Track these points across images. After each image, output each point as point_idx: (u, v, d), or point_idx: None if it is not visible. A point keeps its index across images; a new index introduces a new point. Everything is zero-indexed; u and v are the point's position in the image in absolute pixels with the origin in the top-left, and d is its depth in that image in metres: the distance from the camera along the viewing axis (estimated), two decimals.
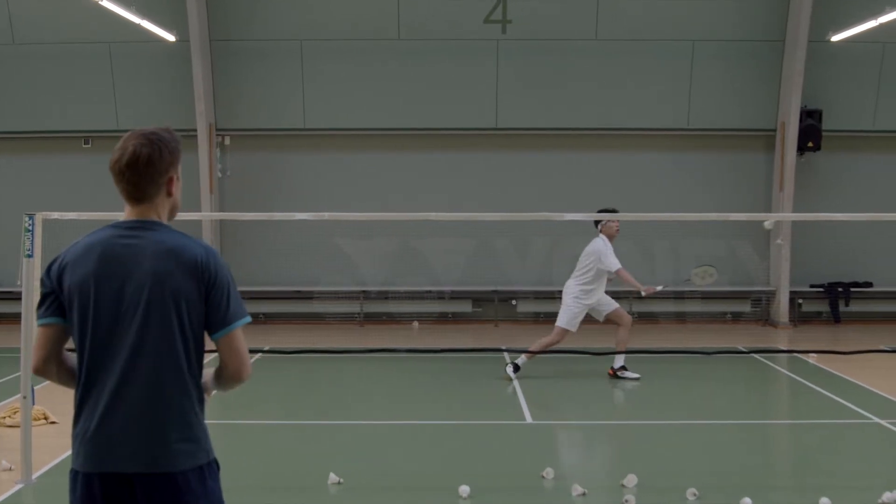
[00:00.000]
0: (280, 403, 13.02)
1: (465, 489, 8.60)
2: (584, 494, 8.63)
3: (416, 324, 19.61)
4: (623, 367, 14.35)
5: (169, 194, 4.31)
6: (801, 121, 19.47)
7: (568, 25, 19.65)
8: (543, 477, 9.14)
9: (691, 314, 20.16)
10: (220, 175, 20.04)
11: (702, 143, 20.15)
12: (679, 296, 19.68)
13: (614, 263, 13.87)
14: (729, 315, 20.41)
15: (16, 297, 18.94)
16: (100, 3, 15.78)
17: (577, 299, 14.11)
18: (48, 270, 4.24)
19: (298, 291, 19.98)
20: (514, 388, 13.56)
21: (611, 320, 14.46)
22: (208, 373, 4.46)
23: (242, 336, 4.33)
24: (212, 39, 19.65)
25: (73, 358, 4.30)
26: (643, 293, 14.25)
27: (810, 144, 19.63)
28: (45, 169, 20.18)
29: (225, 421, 11.43)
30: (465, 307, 20.10)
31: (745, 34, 19.77)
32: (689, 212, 14.54)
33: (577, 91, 19.80)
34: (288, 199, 18.40)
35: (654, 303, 19.72)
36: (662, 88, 19.92)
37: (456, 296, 20.06)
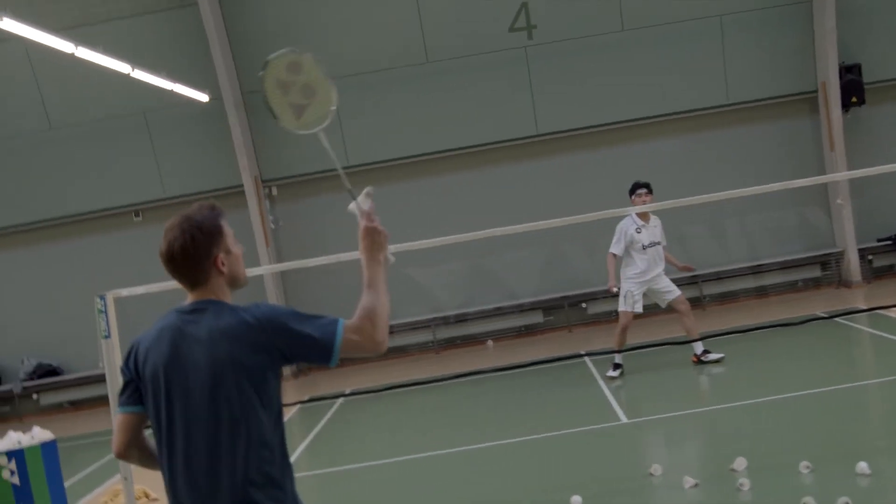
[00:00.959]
0: (376, 443, 12.97)
1: (577, 499, 8.50)
2: (696, 485, 8.52)
3: (490, 342, 19.51)
4: (706, 351, 14.19)
5: (220, 273, 4.27)
6: (840, 77, 19.26)
7: (593, 21, 19.52)
8: (652, 474, 9.04)
9: (764, 287, 19.96)
10: (273, 226, 20.07)
11: (745, 117, 19.92)
12: (755, 270, 19.61)
13: (612, 245, 14.13)
14: (800, 283, 20.14)
15: (93, 381, 19.48)
16: (131, 75, 15.86)
17: (624, 279, 14.12)
18: (126, 359, 4.26)
19: None
20: (602, 391, 13.45)
21: (672, 308, 14.43)
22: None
23: (352, 331, 4.19)
24: (244, 92, 19.68)
25: (152, 441, 4.31)
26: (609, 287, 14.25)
27: (854, 100, 19.41)
28: (102, 248, 20.27)
29: (328, 470, 11.44)
30: (537, 318, 19.97)
31: (770, 1, 19.55)
32: (744, 187, 14.37)
33: (613, 84, 19.65)
34: (344, 239, 18.29)
35: (732, 281, 19.68)
36: (697, 68, 19.73)
37: (526, 308, 19.93)
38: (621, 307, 14.22)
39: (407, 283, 18.78)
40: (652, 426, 11.41)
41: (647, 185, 14.08)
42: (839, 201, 19.35)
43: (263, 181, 19.96)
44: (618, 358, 14.45)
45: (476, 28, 19.56)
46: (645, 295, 14.33)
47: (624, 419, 11.76)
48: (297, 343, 4.13)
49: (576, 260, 19.46)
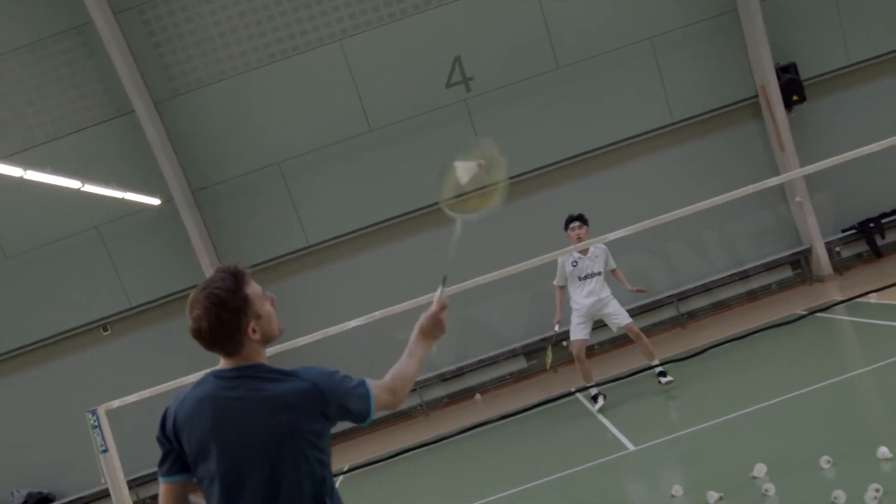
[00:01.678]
0: None
1: None
2: (721, 499, 8.48)
3: (478, 396, 19.37)
4: (661, 374, 14.30)
5: (253, 340, 4.26)
6: (779, 79, 19.43)
7: (527, 63, 19.62)
8: (674, 496, 8.99)
9: (737, 297, 20.03)
10: None
11: (692, 132, 20.04)
12: (726, 281, 19.70)
13: (555, 278, 14.83)
14: (773, 285, 20.20)
15: (88, 500, 19.26)
16: (81, 189, 15.77)
17: (571, 309, 14.68)
18: (163, 429, 4.24)
19: None
20: (602, 424, 13.39)
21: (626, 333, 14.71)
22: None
23: (380, 391, 4.49)
24: (194, 191, 19.62)
25: None
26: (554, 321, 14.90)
27: (795, 98, 19.61)
28: (75, 368, 19.99)
29: None
30: (521, 363, 19.91)
31: (698, 15, 19.76)
32: (701, 201, 14.46)
33: (557, 122, 19.73)
34: (319, 318, 17.99)
35: (691, 301, 19.79)
36: (637, 93, 19.85)
37: (508, 356, 19.84)
38: (570, 336, 14.64)
39: (394, 348, 18.67)
40: (661, 449, 11.31)
41: (580, 218, 14.34)
42: (798, 199, 19.50)
43: None
44: (594, 390, 14.60)
45: (413, 89, 19.61)
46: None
47: (632, 447, 11.68)
48: (346, 406, 4.31)
49: (547, 300, 19.40)
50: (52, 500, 20.01)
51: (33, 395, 19.97)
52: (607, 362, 18.27)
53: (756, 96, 19.91)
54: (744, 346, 15.35)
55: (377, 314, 12.05)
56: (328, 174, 19.75)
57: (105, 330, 20.22)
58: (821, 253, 19.74)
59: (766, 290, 20.10)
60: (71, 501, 19.86)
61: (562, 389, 16.56)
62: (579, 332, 14.54)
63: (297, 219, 19.86)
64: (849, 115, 19.89)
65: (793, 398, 11.49)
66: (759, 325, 16.26)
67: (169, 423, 4.22)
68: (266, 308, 4.35)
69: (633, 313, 18.82)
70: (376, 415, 4.45)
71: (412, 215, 19.91)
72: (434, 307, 4.84)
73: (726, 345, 15.39)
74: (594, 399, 14.54)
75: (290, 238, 19.84)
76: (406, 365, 4.69)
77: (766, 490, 8.26)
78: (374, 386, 4.42)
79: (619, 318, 14.48)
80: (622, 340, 19.26)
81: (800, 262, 20.23)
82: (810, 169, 14.18)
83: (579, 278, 14.38)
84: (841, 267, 20.02)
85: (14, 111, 19.35)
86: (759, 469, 8.75)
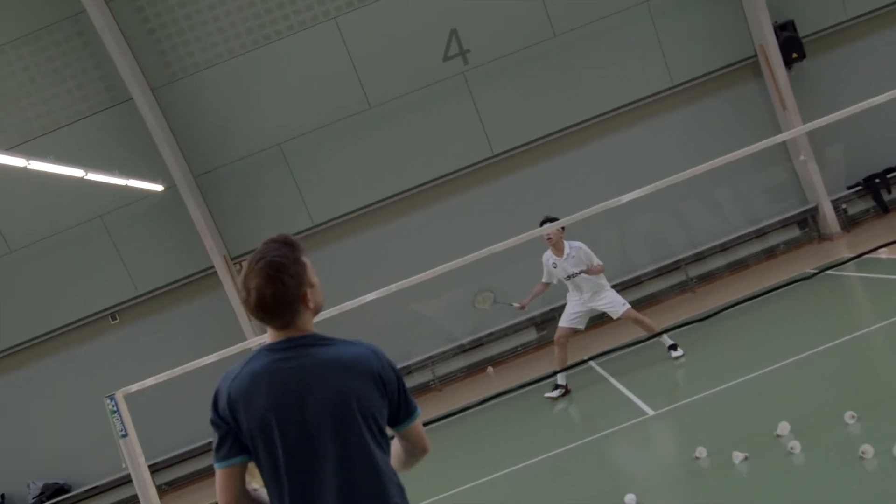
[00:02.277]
0: (412, 491, 12.71)
1: (630, 498, 8.38)
2: (746, 458, 8.43)
3: (490, 369, 19.30)
4: (672, 346, 14.34)
5: (308, 308, 4.23)
6: (777, 37, 19.32)
7: (523, 33, 19.52)
8: (698, 458, 8.93)
9: (744, 259, 19.93)
10: None
11: (693, 95, 19.95)
12: (733, 243, 19.61)
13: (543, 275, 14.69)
14: (782, 245, 20.11)
15: (104, 489, 19.30)
16: (84, 178, 15.69)
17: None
18: (217, 409, 4.13)
19: None
20: (620, 390, 13.34)
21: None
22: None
23: (421, 425, 4.46)
24: (196, 176, 19.57)
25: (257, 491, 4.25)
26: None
27: (795, 56, 19.51)
28: (85, 358, 19.98)
29: None
30: (531, 335, 19.84)
31: None
32: (701, 164, 14.38)
33: (557, 91, 19.64)
34: (332, 296, 17.83)
35: (708, 262, 19.67)
36: (636, 58, 19.74)
37: (518, 328, 19.77)
38: (560, 322, 14.65)
39: (412, 320, 18.71)
40: (681, 412, 11.23)
41: (549, 219, 14.10)
42: (802, 158, 19.41)
43: (233, 258, 19.77)
44: (560, 379, 14.59)
45: (411, 64, 19.53)
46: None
47: (651, 412, 11.62)
48: (398, 395, 4.28)
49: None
50: (68, 491, 19.99)
51: (44, 387, 19.93)
52: (618, 329, 18.21)
53: (755, 56, 19.81)
54: (756, 306, 15.30)
55: (393, 287, 11.98)
56: (330, 153, 19.67)
57: (113, 319, 20.18)
58: (827, 211, 19.67)
59: (775, 251, 20.00)
60: (87, 491, 19.84)
61: (575, 358, 16.49)
62: (566, 321, 14.55)
63: (301, 199, 19.80)
64: (850, 70, 19.82)
65: (810, 356, 11.44)
66: (769, 286, 16.17)
67: (222, 402, 4.11)
68: (316, 279, 4.32)
69: (649, 277, 18.90)
70: (411, 437, 4.44)
71: (416, 190, 19.87)
72: None
73: (739, 306, 15.33)
74: (555, 387, 14.62)
75: (294, 219, 19.77)
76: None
77: (791, 448, 8.21)
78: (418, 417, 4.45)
79: (613, 308, 14.42)
80: (638, 306, 19.22)
81: (807, 221, 20.15)
82: (812, 125, 14.12)
83: (565, 280, 14.37)
84: (848, 224, 19.98)
85: (12, 104, 19.30)
86: (783, 427, 8.70)
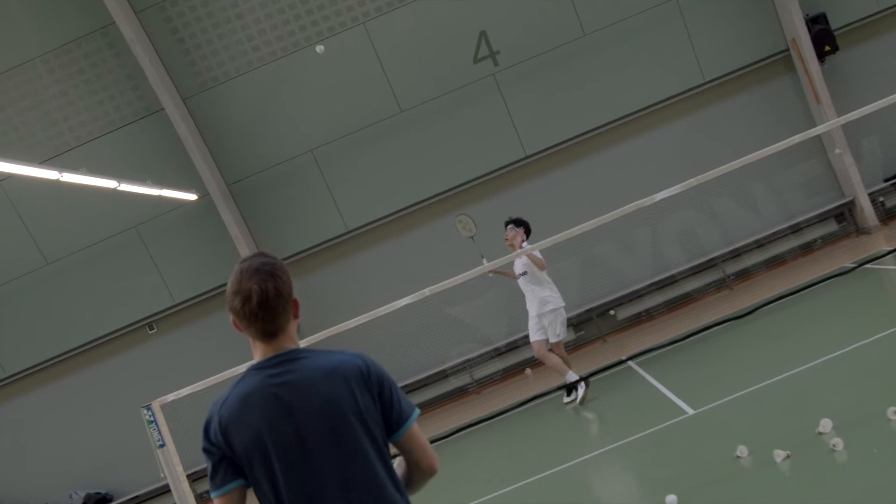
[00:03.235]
0: (451, 495, 12.69)
1: (672, 499, 8.32)
2: (789, 457, 8.34)
3: (528, 370, 19.20)
4: (571, 390, 14.70)
5: (296, 317, 4.22)
6: (809, 30, 19.16)
7: (553, 33, 19.45)
8: (739, 456, 8.85)
9: (780, 255, 19.74)
10: None
11: (725, 91, 19.80)
12: (768, 240, 19.43)
13: None
14: (818, 241, 19.91)
15: (146, 498, 19.35)
16: (117, 189, 15.74)
17: None
18: (207, 436, 4.08)
19: (403, 387, 19.71)
20: (658, 390, 13.25)
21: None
22: None
23: (420, 429, 4.27)
24: (229, 184, 19.60)
25: None
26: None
27: (827, 49, 19.34)
28: (123, 368, 19.98)
29: None
30: (569, 335, 19.71)
31: None
32: (736, 160, 14.26)
33: (588, 90, 19.55)
34: (359, 304, 17.83)
35: (745, 258, 19.51)
36: (666, 55, 19.60)
37: None
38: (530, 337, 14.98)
39: (447, 324, 18.67)
40: (721, 411, 11.10)
41: (512, 221, 14.69)
42: (837, 151, 19.23)
43: None
44: (570, 377, 14.71)
45: (441, 67, 19.48)
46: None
47: (690, 411, 11.53)
48: (392, 392, 4.17)
49: (593, 268, 19.25)
50: (110, 500, 20.08)
51: (84, 398, 20.01)
52: (657, 328, 18.15)
53: (787, 50, 19.65)
54: (795, 302, 15.24)
55: (427, 291, 11.99)
56: (362, 158, 19.65)
57: (151, 328, 20.22)
58: (865, 204, 19.48)
59: (812, 246, 19.78)
60: (128, 500, 19.91)
61: (613, 359, 16.44)
62: (532, 335, 14.84)
63: (335, 204, 19.79)
64: (883, 62, 19.63)
65: (851, 351, 11.32)
66: (807, 281, 16.09)
67: (214, 429, 4.06)
68: None
69: (684, 275, 18.76)
70: (409, 444, 4.23)
71: (449, 193, 19.82)
72: None
73: (777, 302, 15.25)
74: (568, 390, 14.78)
75: (328, 224, 19.77)
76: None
77: (834, 445, 8.12)
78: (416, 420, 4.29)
79: (549, 333, 14.74)
80: (674, 305, 19.22)
81: (844, 215, 19.95)
82: (847, 118, 14.06)
83: (518, 275, 14.72)
84: (886, 216, 19.76)
85: (45, 117, 19.37)
86: (825, 424, 8.61)
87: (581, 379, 14.63)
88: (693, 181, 13.21)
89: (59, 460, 20.20)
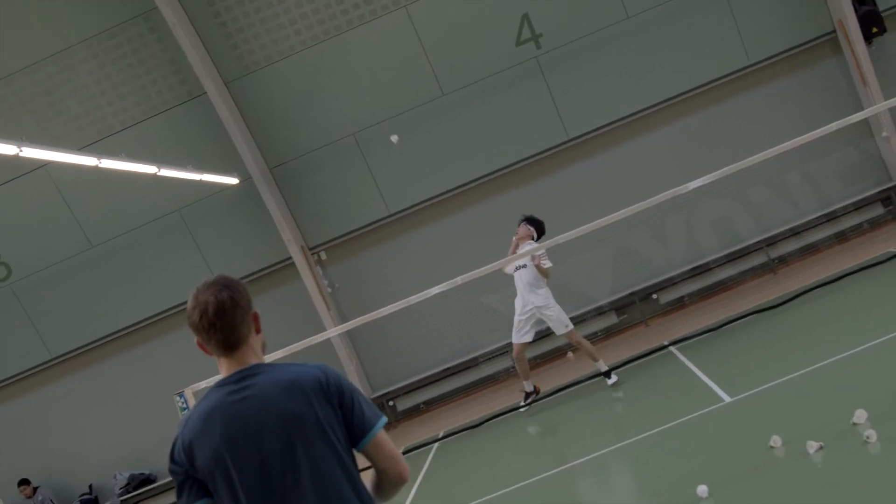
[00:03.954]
0: (482, 479, 12.68)
1: (703, 489, 8.26)
2: (822, 448, 8.24)
3: (570, 354, 19.09)
4: (607, 374, 14.89)
5: (258, 331, 4.25)
6: (856, 11, 18.85)
7: (596, 15, 19.28)
8: (772, 447, 8.76)
9: (827, 239, 19.48)
10: (330, 290, 19.94)
11: (770, 73, 19.53)
12: (812, 224, 19.20)
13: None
14: (865, 224, 19.63)
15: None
16: (157, 173, 15.81)
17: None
18: (172, 457, 4.11)
19: (446, 369, 19.76)
20: (697, 376, 13.16)
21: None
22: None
23: (388, 436, 4.22)
24: (271, 167, 19.64)
25: None
26: None
27: (875, 30, 19.03)
28: (168, 349, 20.03)
29: None
30: (612, 319, 19.62)
31: None
32: (782, 143, 14.08)
33: (632, 73, 19.37)
34: (402, 287, 17.89)
35: (790, 242, 19.29)
36: (711, 37, 19.35)
37: (598, 312, 19.58)
38: (513, 339, 15.04)
39: (480, 312, 18.64)
40: (757, 399, 10.98)
41: (527, 219, 14.90)
42: (884, 134, 18.96)
43: (310, 249, 19.85)
44: (526, 386, 15.23)
45: (483, 50, 19.38)
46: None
47: (727, 398, 11.43)
48: (351, 408, 4.15)
49: (636, 252, 19.17)
50: (154, 481, 20.24)
51: (129, 380, 20.16)
52: (694, 315, 18.04)
53: (834, 31, 19.36)
54: (839, 287, 15.09)
55: (459, 279, 11.95)
56: (404, 141, 19.59)
57: None
58: None
59: (858, 230, 19.45)
60: (171, 481, 20.01)
61: (656, 344, 16.36)
62: (515, 336, 14.95)
63: (377, 188, 19.78)
64: None
65: (891, 340, 11.14)
66: (850, 267, 15.92)
67: (178, 448, 4.08)
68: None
69: (721, 262, 18.63)
70: (375, 453, 4.21)
71: (491, 177, 19.76)
72: None
73: (819, 289, 15.11)
74: (526, 395, 15.35)
75: (370, 208, 19.78)
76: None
77: (867, 437, 8.01)
78: (383, 428, 4.26)
79: (556, 327, 14.94)
80: (710, 292, 19.09)
81: (890, 199, 19.65)
82: (895, 102, 13.83)
83: (513, 272, 14.82)
84: None
85: (88, 102, 19.50)
86: (860, 415, 8.50)
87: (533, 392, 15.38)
88: (743, 163, 13.08)
89: (103, 441, 20.42)
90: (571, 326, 14.89)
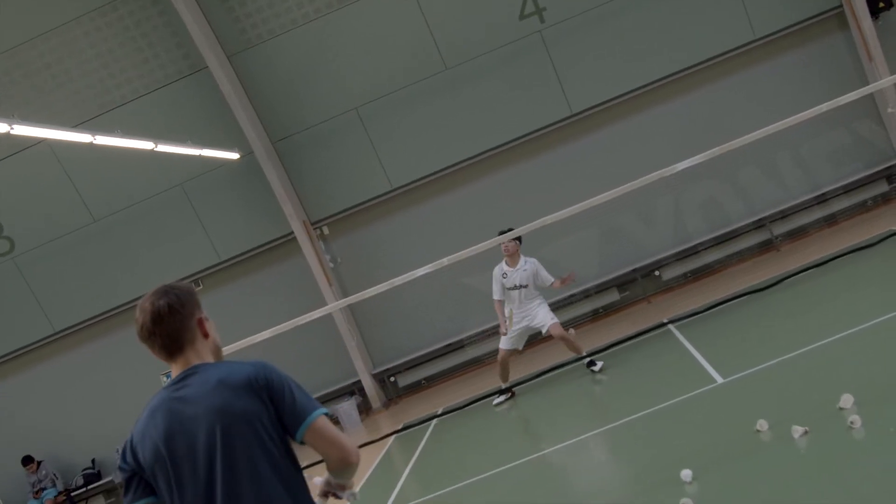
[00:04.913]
0: (478, 457, 12.67)
1: (686, 473, 8.22)
2: (807, 433, 8.19)
3: (572, 331, 19.06)
4: (591, 363, 14.79)
5: (205, 335, 4.27)
6: None
7: None
8: (759, 430, 8.71)
9: (833, 215, 19.34)
10: (332, 265, 19.92)
11: (776, 48, 19.37)
12: (819, 200, 19.07)
13: (493, 292, 14.85)
14: (869, 201, 19.47)
15: None
16: (155, 149, 15.76)
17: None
18: (123, 455, 4.19)
19: (449, 345, 19.76)
20: (692, 355, 13.10)
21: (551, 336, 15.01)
22: (326, 478, 4.50)
23: (329, 423, 4.23)
24: (273, 142, 19.60)
25: None
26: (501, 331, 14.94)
27: (881, 5, 18.85)
28: None
29: (437, 493, 11.26)
30: (613, 296, 19.55)
31: None
32: (788, 118, 13.95)
33: (637, 47, 19.22)
34: (405, 261, 17.81)
35: (794, 219, 19.18)
36: (717, 11, 19.19)
37: (600, 288, 19.53)
38: (500, 345, 14.99)
39: (468, 291, 18.60)
40: (748, 381, 10.90)
41: (508, 231, 14.30)
42: (890, 109, 18.78)
43: (312, 223, 19.82)
44: (502, 386, 15.29)
45: (486, 24, 19.28)
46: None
47: (720, 379, 11.38)
48: (282, 400, 4.14)
49: (638, 229, 19.10)
50: None
51: (129, 355, 20.04)
52: (700, 290, 17.98)
53: (840, 6, 19.17)
54: (840, 265, 14.97)
55: (445, 260, 11.93)
56: (407, 115, 19.56)
57: (197, 286, 20.30)
58: None
59: (862, 207, 19.34)
60: None
61: (656, 321, 16.30)
62: (506, 343, 14.86)
63: (379, 162, 19.74)
64: None
65: (884, 322, 11.02)
66: (854, 245, 15.81)
67: (127, 447, 4.19)
68: (211, 321, 4.36)
69: (737, 234, 18.50)
70: (316, 442, 4.20)
71: (494, 151, 19.69)
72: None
73: (819, 267, 15.02)
74: (500, 392, 15.33)
75: (372, 183, 19.74)
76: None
77: (851, 422, 7.95)
78: (323, 416, 4.24)
79: (542, 323, 14.76)
80: (696, 275, 19.04)
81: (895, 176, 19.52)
82: None
83: (508, 289, 14.62)
84: None
85: (89, 76, 19.49)
86: (846, 400, 8.43)
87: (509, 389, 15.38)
88: (748, 137, 12.95)
89: (105, 416, 20.50)
90: (556, 320, 14.93)
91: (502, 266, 14.65)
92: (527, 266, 14.60)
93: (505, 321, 14.71)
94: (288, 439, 4.21)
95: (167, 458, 4.02)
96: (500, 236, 14.06)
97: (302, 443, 4.21)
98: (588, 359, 14.72)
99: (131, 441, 4.16)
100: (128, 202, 20.10)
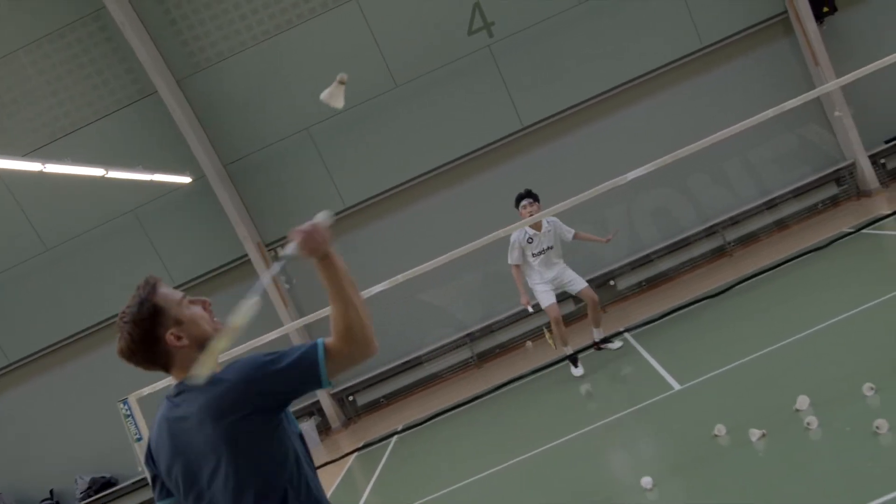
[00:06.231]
0: (441, 471, 12.66)
1: (647, 480, 8.26)
2: (764, 435, 8.26)
3: (529, 344, 19.07)
4: (605, 340, 14.93)
5: (181, 347, 4.06)
6: None
7: (548, 2, 19.22)
8: (717, 435, 8.77)
9: (783, 220, 19.50)
10: (287, 286, 19.85)
11: (723, 56, 19.52)
12: (770, 205, 19.25)
13: (509, 257, 14.59)
14: (819, 204, 19.65)
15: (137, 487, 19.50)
16: (105, 176, 15.69)
17: (532, 286, 14.66)
18: (147, 455, 4.23)
19: (407, 361, 19.73)
20: (649, 363, 13.16)
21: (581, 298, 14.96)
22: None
23: (334, 344, 3.93)
24: (225, 164, 19.54)
25: None
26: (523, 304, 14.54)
27: (825, 9, 19.06)
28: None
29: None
30: (569, 307, 19.59)
31: None
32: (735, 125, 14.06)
33: (585, 59, 19.32)
34: (361, 279, 17.61)
35: (745, 224, 19.34)
36: (664, 21, 19.33)
37: (557, 300, 19.50)
38: (542, 305, 14.54)
39: (425, 307, 18.62)
40: (705, 387, 10.98)
41: (529, 194, 14.22)
42: (837, 113, 18.98)
43: (266, 245, 19.76)
44: (569, 351, 14.73)
45: (435, 40, 19.31)
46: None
47: (677, 386, 11.43)
48: (282, 380, 3.87)
49: (586, 242, 19.18)
50: (115, 484, 20.15)
51: (85, 383, 20.06)
52: (657, 298, 18.06)
53: (785, 12, 19.37)
54: (794, 268, 15.11)
55: (400, 277, 11.91)
56: (359, 134, 19.56)
57: None
58: (865, 166, 19.21)
59: (813, 211, 19.54)
60: (133, 483, 19.96)
61: (612, 329, 16.36)
62: (549, 297, 14.49)
63: (332, 181, 19.71)
64: (883, 21, 19.32)
65: (837, 323, 11.15)
66: (805, 248, 15.97)
67: (149, 449, 4.24)
68: (188, 312, 4.12)
69: (690, 241, 18.61)
70: (344, 365, 3.93)
71: (447, 167, 19.69)
72: (295, 243, 4.22)
73: (771, 271, 15.15)
74: (574, 363, 14.72)
75: (326, 202, 19.63)
76: (335, 309, 4.03)
77: (808, 423, 8.02)
78: (325, 343, 3.93)
79: (574, 284, 14.57)
80: (651, 283, 19.13)
81: (844, 178, 19.69)
82: (846, 80, 13.85)
83: (533, 255, 14.35)
84: (887, 178, 19.49)
85: (39, 104, 19.36)
86: (802, 401, 8.51)
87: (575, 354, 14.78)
88: (696, 145, 13.02)
89: (62, 446, 20.33)
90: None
91: (526, 230, 14.20)
92: (550, 226, 14.39)
93: (526, 293, 14.42)
94: (288, 439, 4.00)
95: (173, 476, 4.02)
96: (523, 201, 14.07)
97: (330, 383, 3.96)
98: (601, 338, 14.94)
99: (150, 443, 4.21)
100: (80, 230, 19.93)
